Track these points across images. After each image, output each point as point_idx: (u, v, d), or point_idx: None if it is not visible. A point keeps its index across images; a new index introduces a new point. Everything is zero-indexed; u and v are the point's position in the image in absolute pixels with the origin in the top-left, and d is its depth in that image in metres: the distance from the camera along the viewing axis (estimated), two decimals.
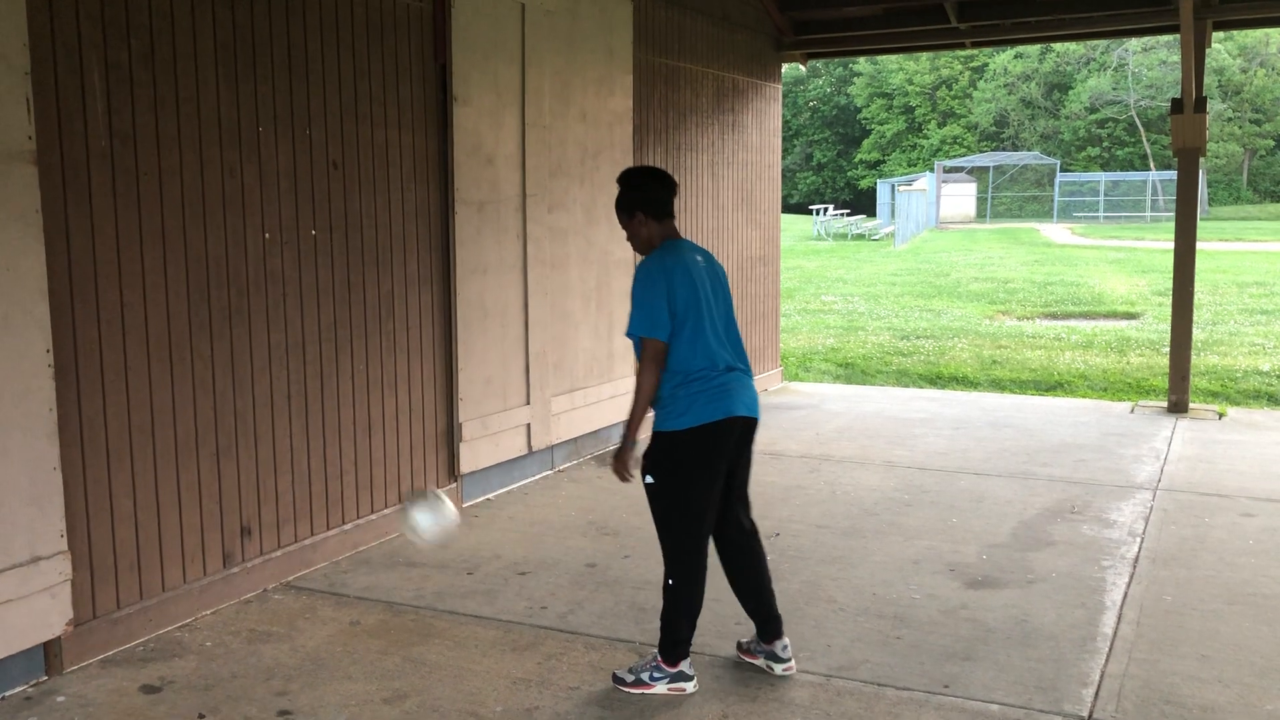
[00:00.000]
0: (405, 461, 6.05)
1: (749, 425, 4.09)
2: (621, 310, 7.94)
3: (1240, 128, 48.67)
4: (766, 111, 10.34)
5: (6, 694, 4.08)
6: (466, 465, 6.48)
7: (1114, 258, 26.41)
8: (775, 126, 10.62)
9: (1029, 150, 51.45)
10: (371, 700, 4.02)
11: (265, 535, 5.16)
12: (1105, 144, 51.56)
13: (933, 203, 42.07)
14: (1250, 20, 9.84)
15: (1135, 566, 5.42)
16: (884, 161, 57.02)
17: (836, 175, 59.13)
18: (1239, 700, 3.98)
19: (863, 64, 56.70)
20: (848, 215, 42.19)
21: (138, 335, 4.50)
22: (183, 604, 4.74)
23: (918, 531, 5.99)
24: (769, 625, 4.19)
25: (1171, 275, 9.46)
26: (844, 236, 37.32)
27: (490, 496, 6.76)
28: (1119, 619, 4.74)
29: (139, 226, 4.48)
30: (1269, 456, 7.72)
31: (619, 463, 4.04)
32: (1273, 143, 49.27)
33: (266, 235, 5.07)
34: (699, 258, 4.13)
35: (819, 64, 51.92)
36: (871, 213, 46.86)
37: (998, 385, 11.18)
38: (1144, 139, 49.21)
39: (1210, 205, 45.04)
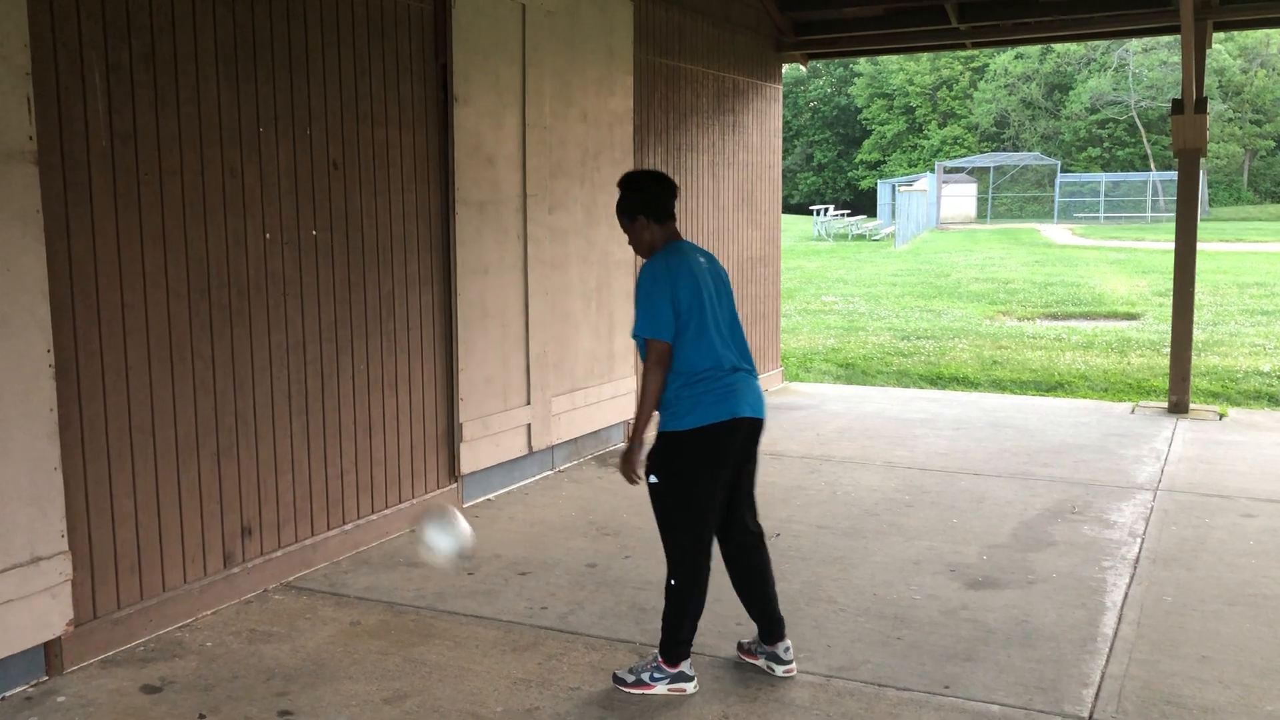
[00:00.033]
0: (406, 462, 6.05)
1: (755, 426, 4.09)
2: (622, 310, 7.94)
3: (1241, 128, 48.67)
4: (767, 112, 10.34)
5: (7, 694, 4.08)
6: (467, 465, 6.48)
7: (1114, 258, 26.41)
8: (776, 127, 10.62)
9: (1029, 151, 51.45)
10: (372, 700, 4.02)
11: (266, 535, 5.16)
12: (1106, 144, 51.57)
13: (933, 203, 42.07)
14: (1251, 21, 9.83)
15: (1136, 567, 5.42)
16: (884, 162, 57.03)
17: (837, 176, 59.15)
18: (1239, 701, 3.98)
19: (863, 64, 56.71)
20: (848, 216, 42.19)
21: (138, 335, 4.50)
22: (183, 604, 4.74)
23: (918, 532, 5.99)
24: (772, 627, 4.19)
25: (1172, 276, 9.46)
26: (844, 237, 37.33)
27: (491, 497, 6.76)
28: (1119, 619, 4.74)
29: (140, 226, 4.48)
30: (1269, 457, 7.72)
31: (626, 465, 4.03)
32: (1273, 143, 49.27)
33: (267, 235, 5.07)
34: (701, 259, 4.13)
35: (819, 64, 51.97)
36: (872, 213, 46.86)
37: (998, 386, 11.18)
38: (1144, 139, 49.21)
39: (1211, 206, 45.04)
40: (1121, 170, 48.91)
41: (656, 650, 4.11)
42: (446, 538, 4.36)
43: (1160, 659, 4.33)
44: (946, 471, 7.33)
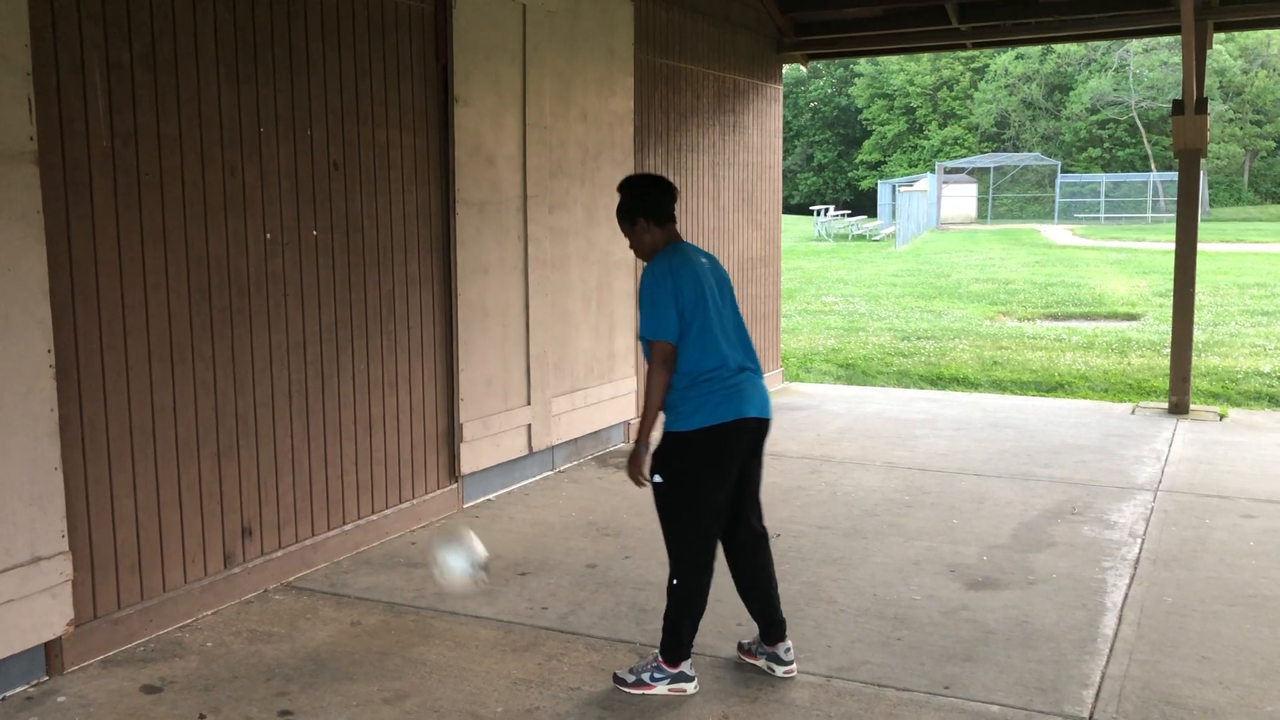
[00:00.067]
0: (406, 462, 6.05)
1: (761, 426, 4.08)
2: (623, 310, 7.94)
3: (1241, 129, 48.68)
4: (767, 112, 10.34)
5: (7, 694, 4.08)
6: (467, 466, 6.48)
7: (1115, 259, 26.42)
8: (776, 127, 10.62)
9: (1030, 151, 51.46)
10: (372, 700, 4.02)
11: (266, 535, 5.16)
12: (1106, 145, 51.57)
13: (933, 204, 42.08)
14: (1251, 21, 9.83)
15: (1136, 568, 5.42)
16: (885, 162, 57.04)
17: (837, 176, 59.15)
18: (1240, 701, 3.98)
19: (864, 65, 56.72)
20: (848, 216, 42.19)
21: (139, 335, 4.50)
22: (183, 604, 4.75)
23: (918, 532, 5.99)
24: (773, 628, 4.19)
25: (1172, 276, 9.46)
26: (845, 237, 37.32)
27: (491, 497, 6.76)
28: (1119, 620, 4.74)
29: (140, 226, 4.48)
30: (1270, 458, 7.72)
31: (633, 467, 4.03)
32: (1274, 144, 49.27)
33: (268, 235, 5.07)
34: (703, 259, 4.14)
35: (820, 65, 51.97)
36: (872, 214, 46.87)
37: (998, 386, 11.18)
38: (1145, 140, 49.21)
39: (1211, 206, 45.05)
40: (1122, 171, 48.92)
41: (657, 650, 4.11)
42: (461, 560, 4.41)
43: (1160, 659, 4.33)
44: (947, 472, 7.33)
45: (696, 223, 8.98)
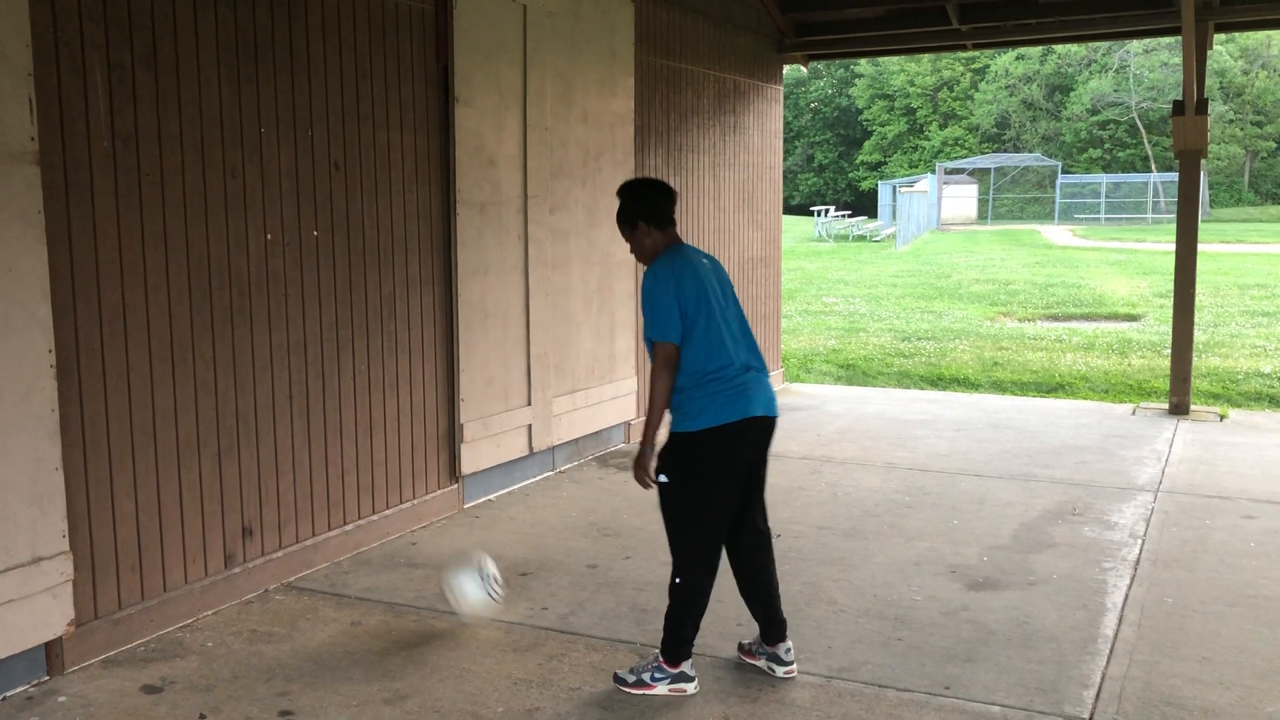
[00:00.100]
0: (407, 462, 6.05)
1: (767, 425, 4.08)
2: (623, 311, 7.95)
3: (1242, 129, 48.67)
4: (768, 113, 10.34)
5: (8, 694, 4.08)
6: (468, 466, 6.48)
7: (1115, 259, 26.42)
8: (776, 128, 10.62)
9: (1030, 152, 51.47)
10: (372, 701, 4.03)
11: (266, 536, 5.16)
12: (1106, 146, 51.57)
13: (934, 204, 42.09)
14: (1252, 22, 9.83)
15: (1136, 568, 5.42)
16: (885, 163, 57.05)
17: (838, 177, 59.16)
18: (1240, 702, 3.98)
19: (864, 65, 56.73)
20: (849, 217, 42.19)
21: (140, 335, 4.50)
22: (184, 604, 4.75)
23: (919, 533, 5.99)
24: (774, 628, 4.19)
25: (1173, 277, 9.46)
26: (845, 238, 37.32)
27: (491, 497, 6.76)
28: (1120, 621, 4.74)
29: (141, 227, 4.48)
30: (1270, 459, 7.72)
31: (639, 469, 4.02)
32: (1274, 144, 49.27)
33: (268, 236, 5.08)
34: (704, 260, 4.14)
35: (820, 65, 51.97)
36: (873, 214, 46.87)
37: (999, 387, 11.18)
38: (1145, 141, 49.21)
39: (1211, 207, 45.05)
40: (1122, 171, 48.92)
41: (657, 650, 4.11)
42: (473, 583, 4.45)
43: (1161, 660, 4.33)
44: (947, 473, 7.33)
45: (697, 223, 8.99)
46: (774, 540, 4.32)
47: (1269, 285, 19.86)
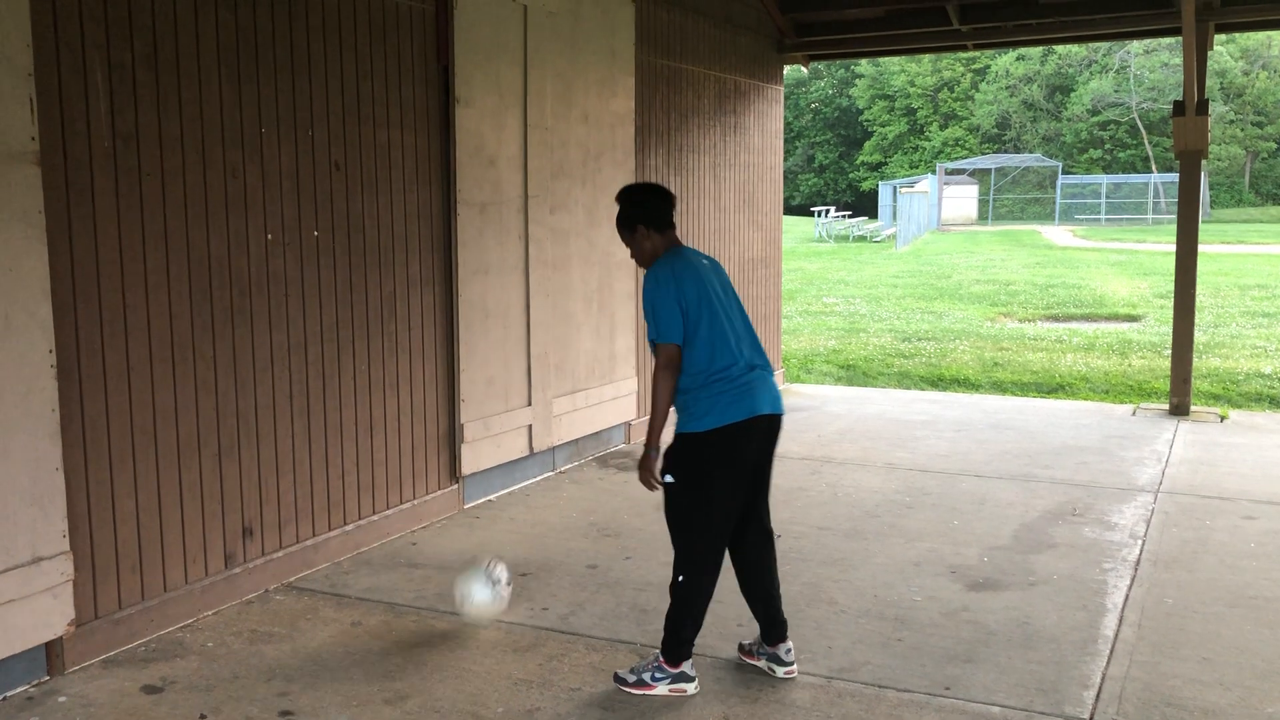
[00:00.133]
0: (407, 462, 6.05)
1: (773, 423, 4.08)
2: (624, 312, 7.95)
3: (1242, 130, 48.67)
4: (768, 113, 10.34)
5: (8, 694, 4.08)
6: (468, 466, 6.48)
7: (1115, 260, 26.42)
8: (777, 128, 10.62)
9: (1031, 152, 51.46)
10: (373, 701, 4.03)
11: (267, 536, 5.16)
12: (1107, 146, 51.57)
13: (934, 205, 42.08)
14: (1252, 23, 9.83)
15: (1136, 569, 5.42)
16: (886, 163, 57.05)
17: (838, 177, 59.16)
18: (1240, 703, 3.98)
19: (864, 66, 56.74)
20: (849, 217, 42.19)
21: (140, 335, 4.50)
22: (184, 604, 4.75)
23: (919, 533, 5.99)
24: (775, 629, 4.19)
25: (1173, 277, 9.46)
26: (845, 238, 37.32)
27: (492, 498, 6.76)
28: (1120, 621, 4.74)
29: (142, 227, 4.49)
30: (1270, 459, 7.72)
31: (644, 471, 4.02)
32: (1275, 145, 49.27)
33: (269, 236, 5.08)
34: (704, 261, 4.14)
35: (821, 66, 51.98)
36: (873, 215, 46.86)
37: (999, 387, 11.18)
38: (1146, 141, 49.21)
39: (1212, 208, 45.05)
40: (1123, 172, 48.92)
41: (658, 650, 4.11)
42: (480, 585, 4.45)
43: (1161, 661, 4.33)
44: (947, 473, 7.33)
45: (697, 224, 8.99)
46: (775, 540, 4.32)
47: (1269, 286, 19.86)
